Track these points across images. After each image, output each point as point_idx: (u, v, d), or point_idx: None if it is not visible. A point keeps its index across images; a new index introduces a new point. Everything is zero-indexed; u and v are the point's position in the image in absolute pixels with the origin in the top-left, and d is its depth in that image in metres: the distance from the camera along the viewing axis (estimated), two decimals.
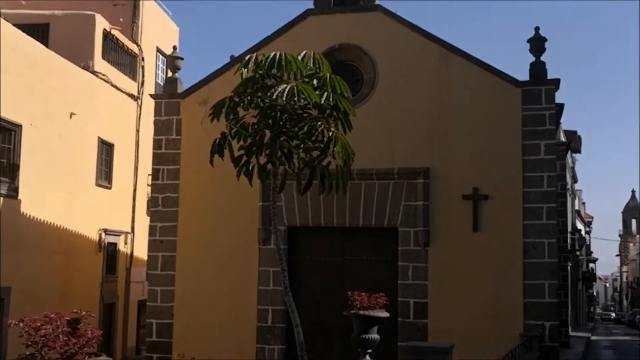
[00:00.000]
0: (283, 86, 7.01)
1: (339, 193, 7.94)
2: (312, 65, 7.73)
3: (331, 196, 14.61)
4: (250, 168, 7.49)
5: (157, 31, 24.83)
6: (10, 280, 15.86)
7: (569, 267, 32.29)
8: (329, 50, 15.26)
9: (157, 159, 16.05)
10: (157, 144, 16.02)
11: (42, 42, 18.86)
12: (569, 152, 38.36)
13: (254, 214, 15.17)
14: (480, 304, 14.03)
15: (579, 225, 48.61)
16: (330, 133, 7.34)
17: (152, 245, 15.83)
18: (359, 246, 15.06)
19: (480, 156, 14.40)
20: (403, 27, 15.04)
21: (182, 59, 16.39)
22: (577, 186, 51.83)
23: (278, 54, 7.37)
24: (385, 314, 9.91)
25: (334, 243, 15.19)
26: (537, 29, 14.60)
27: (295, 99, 6.94)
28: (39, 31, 19.94)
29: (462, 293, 14.17)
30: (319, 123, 7.24)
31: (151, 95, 17.05)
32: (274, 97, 6.98)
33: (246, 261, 15.24)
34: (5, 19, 16.69)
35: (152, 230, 15.89)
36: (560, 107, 15.31)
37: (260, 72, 7.22)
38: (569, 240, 30.94)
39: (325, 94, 7.43)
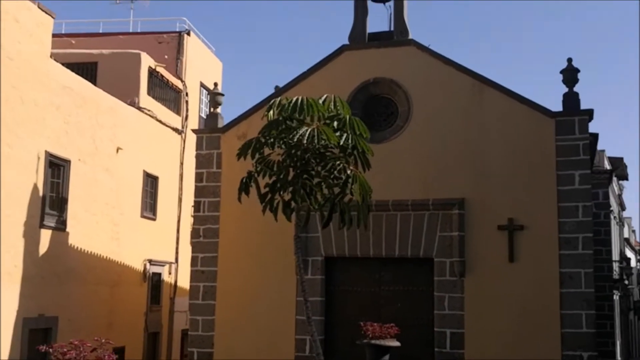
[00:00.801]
0: (304, 128, 7.38)
1: (360, 227, 8.21)
2: (333, 107, 8.05)
3: (367, 227, 15.03)
4: (275, 204, 7.83)
5: (201, 67, 25.59)
6: (57, 310, 16.46)
7: (616, 297, 31.73)
8: (364, 85, 15.63)
9: (198, 191, 16.53)
10: (198, 177, 16.52)
11: (90, 80, 19.70)
12: (615, 179, 37.90)
13: (291, 245, 15.41)
14: (517, 334, 14.03)
15: (629, 254, 47.65)
16: (349, 172, 7.65)
17: (194, 276, 16.26)
18: (395, 276, 15.22)
19: (515, 187, 14.50)
20: (436, 60, 15.31)
21: (222, 95, 16.93)
22: (625, 214, 50.91)
23: (300, 98, 7.75)
24: (396, 344, 10.23)
25: (371, 273, 15.38)
26: (569, 60, 14.72)
27: (316, 140, 7.28)
28: (88, 69, 20.82)
29: (499, 323, 14.19)
30: (338, 162, 7.57)
31: (193, 130, 17.61)
32: (296, 138, 7.34)
33: (284, 291, 15.52)
34: (55, 59, 17.50)
35: (193, 261, 16.32)
36: (595, 136, 15.32)
37: (284, 115, 7.60)
38: (616, 270, 30.43)
39: (345, 135, 7.75)
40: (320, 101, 7.98)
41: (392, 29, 15.91)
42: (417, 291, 15.05)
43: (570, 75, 14.62)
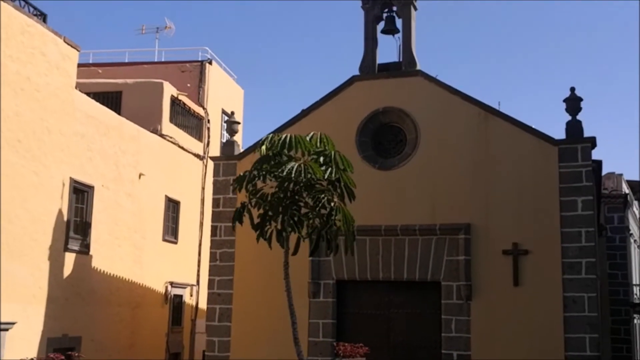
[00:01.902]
0: (293, 163, 7.99)
1: (347, 253, 8.76)
2: (319, 144, 8.66)
3: (377, 251, 15.59)
4: (268, 233, 8.44)
5: (223, 94, 26.38)
6: (81, 331, 17.14)
7: (637, 321, 31.64)
8: (374, 114, 16.21)
9: (215, 216, 17.17)
10: (215, 203, 17.17)
11: (115, 109, 20.56)
12: (637, 202, 37.81)
13: (304, 268, 15.97)
14: (521, 357, 14.36)
15: None
16: (332, 204, 8.23)
17: (211, 298, 16.85)
18: (403, 300, 15.68)
19: (520, 212, 14.92)
20: (443, 90, 15.86)
21: (238, 123, 17.62)
22: None
23: (289, 135, 8.36)
24: None
25: (380, 296, 15.85)
26: (572, 89, 15.16)
27: (303, 174, 7.88)
28: (113, 98, 21.70)
29: (504, 346, 14.55)
30: (323, 195, 8.15)
31: (211, 158, 18.30)
32: (285, 172, 7.95)
33: (297, 313, 15.96)
34: (82, 89, 18.38)
35: (210, 284, 16.93)
36: (598, 163, 15.70)
37: (274, 151, 8.22)
38: (636, 293, 30.41)
39: (329, 169, 8.33)
40: (308, 138, 8.58)
41: (401, 59, 16.49)
42: (425, 314, 15.48)
43: (573, 104, 15.06)
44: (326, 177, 8.30)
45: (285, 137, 8.39)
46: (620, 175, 32.26)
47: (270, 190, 8.60)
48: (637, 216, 37.26)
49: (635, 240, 34.35)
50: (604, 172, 33.34)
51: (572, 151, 14.75)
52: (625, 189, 32.32)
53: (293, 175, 7.94)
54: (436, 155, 15.67)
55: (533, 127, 15.10)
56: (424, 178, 15.64)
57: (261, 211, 8.46)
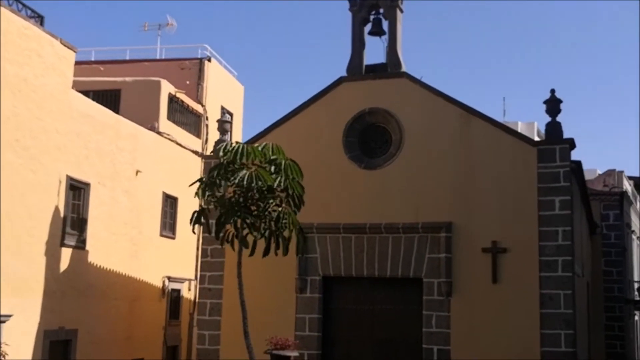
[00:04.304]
0: (244, 172, 8.48)
1: (298, 254, 9.23)
2: (270, 153, 9.13)
3: (361, 248, 16.02)
4: (229, 236, 8.94)
5: (222, 91, 26.83)
6: (77, 323, 17.68)
7: (637, 318, 31.82)
8: (360, 114, 16.62)
9: (213, 216, 17.62)
10: (207, 201, 17.61)
11: (114, 107, 21.07)
12: (638, 198, 37.87)
13: (292, 265, 16.40)
14: (499, 352, 14.78)
15: None
16: (280, 209, 8.71)
17: (201, 293, 17.37)
18: (387, 296, 16.12)
19: (499, 211, 15.31)
20: (427, 91, 16.25)
21: (229, 122, 18.06)
22: None
23: (241, 145, 8.84)
24: (295, 354, 11.54)
25: (364, 292, 16.30)
26: (552, 91, 15.51)
27: (253, 182, 8.37)
28: (111, 96, 22.22)
29: (483, 341, 14.97)
30: (271, 201, 8.63)
31: (202, 156, 18.75)
32: (237, 180, 8.44)
33: (284, 308, 16.50)
34: (82, 87, 18.90)
35: (201, 279, 17.44)
36: (578, 164, 16.03)
37: (227, 159, 8.72)
38: (636, 291, 30.60)
39: (278, 178, 8.81)
40: (260, 148, 9.05)
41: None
42: (407, 309, 15.92)
43: (552, 105, 15.40)
44: (275, 185, 8.77)
45: (239, 146, 8.87)
46: (621, 172, 32.43)
47: (229, 195, 9.09)
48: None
49: (638, 237, 34.50)
50: (605, 169, 33.66)
51: (551, 152, 15.10)
52: (627, 185, 32.48)
53: (245, 182, 8.42)
54: (420, 156, 16.07)
55: (513, 128, 15.41)
56: (408, 178, 16.05)
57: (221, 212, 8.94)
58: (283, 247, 9.10)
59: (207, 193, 8.94)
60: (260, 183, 8.44)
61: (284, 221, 8.64)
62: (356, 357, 16.05)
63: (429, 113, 16.15)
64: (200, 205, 9.14)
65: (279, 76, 65.81)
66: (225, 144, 9.08)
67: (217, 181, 8.75)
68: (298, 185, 9.22)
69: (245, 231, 8.83)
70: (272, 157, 9.01)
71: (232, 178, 8.64)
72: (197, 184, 9.09)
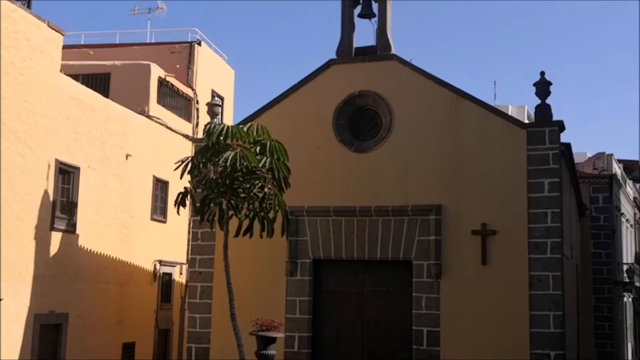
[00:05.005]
0: (229, 152, 8.45)
1: (282, 235, 9.23)
2: (255, 134, 9.10)
3: (351, 231, 16.04)
4: (211, 216, 8.92)
5: (213, 75, 26.72)
6: (68, 307, 17.67)
7: (627, 300, 32.06)
8: (350, 97, 16.59)
9: (198, 197, 17.58)
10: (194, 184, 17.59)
11: (104, 90, 20.97)
12: (631, 182, 38.03)
13: (282, 248, 16.40)
14: (488, 333, 14.88)
15: None
16: (266, 190, 8.70)
17: (192, 276, 17.39)
18: (377, 278, 16.17)
19: (489, 194, 15.35)
20: (417, 74, 16.22)
21: (218, 105, 17.99)
22: None
23: (226, 126, 8.81)
24: (281, 335, 11.65)
25: (355, 275, 16.34)
26: (542, 73, 15.50)
27: (238, 163, 8.35)
28: (101, 80, 22.13)
29: (472, 322, 15.05)
30: (257, 182, 8.62)
31: (192, 140, 18.69)
32: (221, 161, 8.42)
33: (275, 291, 16.53)
34: (71, 71, 18.77)
35: (192, 262, 17.45)
36: (567, 146, 16.06)
37: (211, 140, 8.68)
38: (625, 273, 30.78)
39: (264, 158, 8.79)
40: (245, 129, 9.02)
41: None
42: (397, 292, 15.98)
43: (542, 87, 15.40)
44: (260, 165, 8.76)
45: (224, 127, 8.84)
46: (611, 155, 32.52)
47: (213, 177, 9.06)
48: (631, 196, 37.57)
49: (627, 220, 34.69)
50: (595, 152, 33.76)
51: (540, 134, 15.12)
52: (617, 168, 32.58)
53: (229, 163, 8.41)
54: (409, 138, 16.07)
55: (502, 111, 15.41)
56: (398, 160, 16.05)
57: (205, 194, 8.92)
58: (268, 229, 9.07)
59: (195, 174, 8.89)
60: (245, 163, 8.42)
61: (269, 202, 8.62)
62: (346, 339, 16.11)
63: (419, 96, 16.13)
64: (185, 187, 9.12)
65: (270, 60, 65.62)
66: (210, 125, 9.04)
67: (201, 163, 8.72)
68: (283, 166, 9.21)
69: (231, 212, 8.80)
70: (258, 138, 8.99)
71: (216, 159, 8.61)
72: (183, 165, 9.01)
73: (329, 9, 61.38)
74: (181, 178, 9.03)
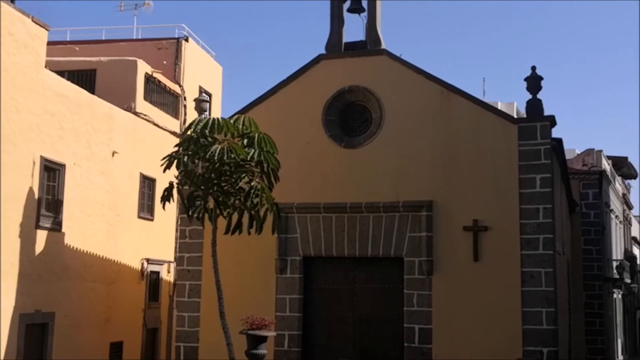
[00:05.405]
0: (216, 146, 8.22)
1: (273, 233, 9.01)
2: (242, 126, 8.87)
3: (342, 228, 15.86)
4: (200, 212, 8.69)
5: (200, 71, 26.45)
6: (54, 306, 17.39)
7: (616, 296, 32.06)
8: (340, 92, 16.40)
9: (185, 193, 17.35)
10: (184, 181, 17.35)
11: (90, 87, 20.65)
12: (620, 178, 38.07)
13: (272, 246, 16.21)
14: (481, 330, 14.74)
15: (636, 252, 47.56)
16: (253, 183, 8.47)
17: (180, 274, 17.16)
18: (368, 275, 15.99)
19: (480, 190, 15.20)
20: (407, 69, 16.05)
21: (206, 101, 17.75)
22: (634, 212, 50.90)
23: (213, 118, 8.59)
24: (272, 333, 11.44)
25: (346, 272, 16.16)
26: (533, 68, 15.38)
27: (225, 156, 8.12)
28: (87, 76, 21.80)
29: (464, 319, 14.91)
30: (243, 175, 8.39)
31: (179, 136, 18.44)
32: (208, 154, 8.19)
33: (264, 289, 16.33)
34: (57, 67, 18.44)
35: (180, 260, 17.22)
36: (559, 141, 15.95)
37: (196, 133, 8.45)
38: (614, 269, 30.79)
39: (253, 150, 8.56)
40: (232, 121, 8.80)
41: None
42: (389, 289, 15.82)
43: (533, 82, 15.27)
44: (249, 157, 8.53)
45: (209, 120, 8.62)
46: (600, 151, 32.52)
47: (200, 171, 8.83)
48: (620, 192, 37.62)
49: (617, 216, 34.72)
50: (584, 148, 33.74)
51: (532, 129, 14.99)
52: (606, 164, 32.59)
53: (216, 156, 8.18)
54: (400, 134, 15.90)
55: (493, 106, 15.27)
56: (388, 156, 15.88)
57: (191, 189, 8.69)
58: (257, 225, 8.85)
59: (180, 170, 8.66)
60: (233, 156, 8.19)
61: (255, 197, 8.38)
62: (338, 337, 15.93)
63: (409, 91, 15.96)
64: (170, 182, 8.88)
65: (258, 56, 65.33)
66: (196, 119, 8.81)
67: (187, 156, 8.48)
68: (272, 158, 8.98)
69: (219, 208, 8.57)
70: (245, 131, 8.76)
71: (202, 154, 8.38)
72: (168, 160, 8.76)
73: (318, 4, 61.22)
74: (164, 172, 8.77)
